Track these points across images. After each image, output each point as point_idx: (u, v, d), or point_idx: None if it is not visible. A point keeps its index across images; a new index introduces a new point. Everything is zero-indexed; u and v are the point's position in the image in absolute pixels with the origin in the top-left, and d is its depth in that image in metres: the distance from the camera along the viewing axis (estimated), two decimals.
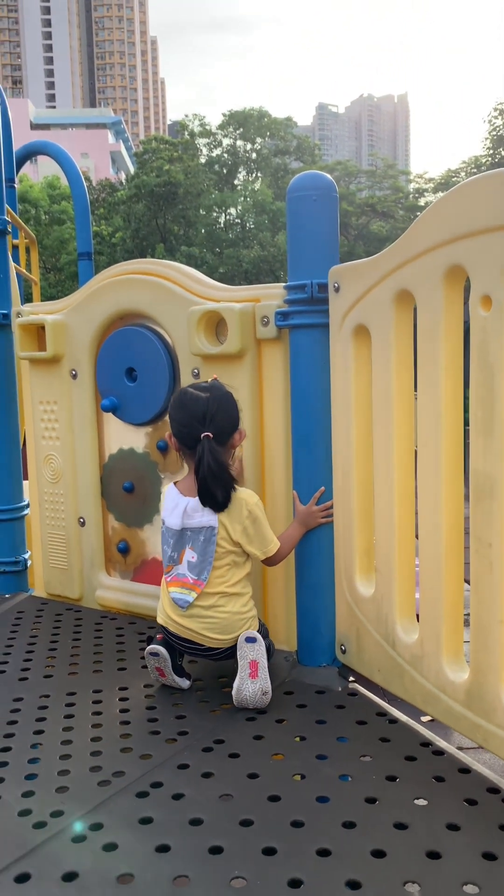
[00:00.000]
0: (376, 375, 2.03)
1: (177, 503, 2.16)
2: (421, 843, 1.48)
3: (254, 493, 2.17)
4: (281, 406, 2.38)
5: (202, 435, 2.07)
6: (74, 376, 2.87)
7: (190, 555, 2.12)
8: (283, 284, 2.30)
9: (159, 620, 2.21)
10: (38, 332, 2.95)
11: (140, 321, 2.71)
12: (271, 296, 2.36)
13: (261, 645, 2.08)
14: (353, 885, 1.38)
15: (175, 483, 2.23)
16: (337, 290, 2.14)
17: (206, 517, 2.11)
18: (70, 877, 1.42)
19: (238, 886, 1.38)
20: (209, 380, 2.24)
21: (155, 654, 2.16)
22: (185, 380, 2.56)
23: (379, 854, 1.46)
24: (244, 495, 2.13)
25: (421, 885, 1.37)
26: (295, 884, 1.39)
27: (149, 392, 2.67)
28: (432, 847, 1.47)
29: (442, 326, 1.78)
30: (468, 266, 1.68)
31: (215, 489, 2.07)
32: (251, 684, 2.05)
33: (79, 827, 1.56)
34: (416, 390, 1.93)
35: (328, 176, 2.24)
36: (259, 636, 2.10)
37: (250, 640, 2.08)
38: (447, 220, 1.71)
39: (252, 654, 2.07)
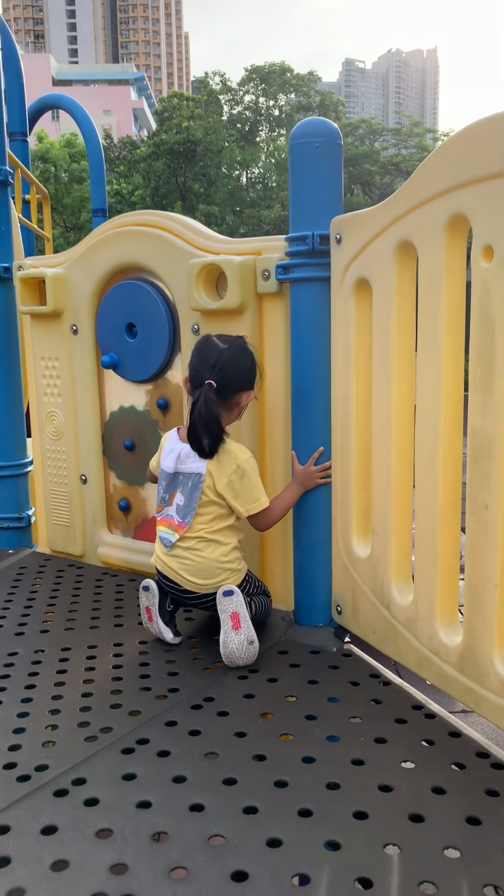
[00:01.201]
0: (377, 331, 1.96)
1: (173, 447, 2.18)
2: (405, 806, 1.46)
3: (247, 450, 2.13)
4: (282, 363, 2.32)
5: (206, 381, 2.06)
6: (75, 332, 2.83)
7: (179, 498, 2.14)
8: (285, 236, 2.23)
9: (152, 560, 2.25)
10: (38, 286, 2.90)
11: (140, 275, 2.65)
12: (273, 248, 2.28)
13: (239, 597, 2.08)
14: (333, 845, 1.36)
15: (178, 428, 2.24)
16: (339, 241, 2.06)
17: (196, 464, 2.11)
18: (49, 830, 1.42)
19: (216, 844, 1.37)
20: (243, 333, 2.22)
21: (146, 588, 2.21)
22: (185, 336, 2.51)
23: (361, 816, 1.44)
24: (236, 450, 2.10)
25: (401, 847, 1.35)
26: (274, 843, 1.37)
27: (149, 349, 2.62)
28: (416, 810, 1.45)
29: (443, 280, 1.70)
30: (470, 215, 1.60)
31: (203, 435, 2.06)
32: (235, 636, 2.04)
33: None
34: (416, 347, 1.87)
35: (332, 123, 2.15)
36: (237, 589, 2.09)
37: (227, 593, 2.08)
38: (450, 167, 1.63)
39: (231, 607, 2.07)
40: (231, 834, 1.39)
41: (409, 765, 1.60)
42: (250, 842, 1.37)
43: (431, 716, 1.80)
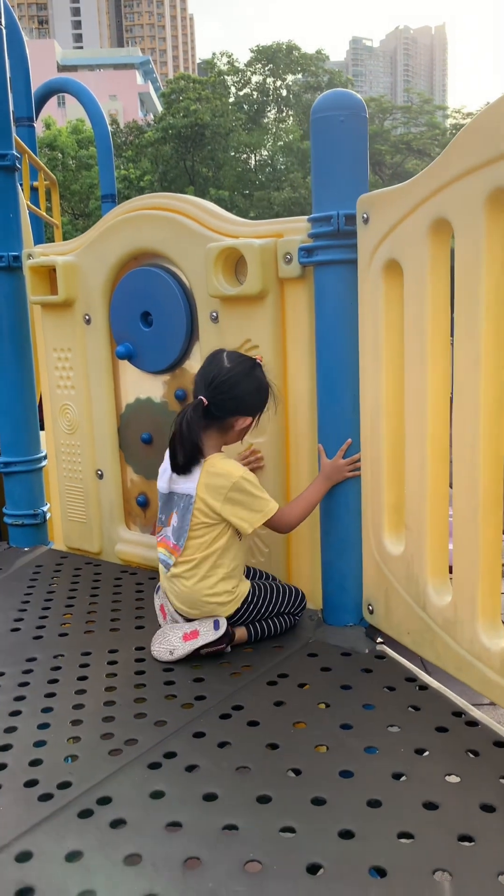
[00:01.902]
0: (409, 316, 1.84)
1: (166, 466, 2.09)
2: (453, 826, 1.36)
3: (240, 465, 2.03)
4: (306, 352, 2.21)
5: (199, 397, 1.98)
6: (88, 321, 2.72)
7: (175, 519, 2.06)
8: (308, 217, 2.11)
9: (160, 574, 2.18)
10: (49, 274, 2.80)
11: (155, 261, 2.54)
12: (295, 230, 2.17)
13: (216, 633, 2.02)
14: (379, 871, 1.27)
15: None
16: (366, 221, 1.94)
17: (187, 485, 2.02)
18: (73, 856, 1.33)
19: (253, 871, 1.28)
20: (258, 357, 2.11)
21: (159, 590, 2.16)
22: (204, 324, 2.40)
23: (406, 836, 1.35)
24: (229, 468, 1.99)
25: (452, 873, 1.25)
26: (314, 868, 1.28)
27: (165, 338, 2.51)
28: (465, 830, 1.35)
29: (483, 259, 1.58)
30: None
31: (178, 451, 1.99)
32: (175, 638, 2.03)
33: None
34: (452, 332, 1.75)
35: (357, 94, 2.03)
36: (222, 623, 2.03)
37: (216, 623, 2.04)
38: (490, 136, 1.50)
39: (204, 630, 2.03)
40: (268, 859, 1.30)
41: (454, 778, 1.51)
42: (289, 867, 1.28)
43: (474, 723, 1.69)
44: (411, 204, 1.77)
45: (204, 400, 1.97)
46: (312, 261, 2.09)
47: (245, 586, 2.10)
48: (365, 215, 1.94)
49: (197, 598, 2.04)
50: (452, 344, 1.73)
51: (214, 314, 2.35)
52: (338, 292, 2.06)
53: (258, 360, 2.07)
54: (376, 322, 1.97)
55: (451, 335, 1.75)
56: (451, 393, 1.76)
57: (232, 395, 1.98)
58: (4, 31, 2.73)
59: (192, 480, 2.00)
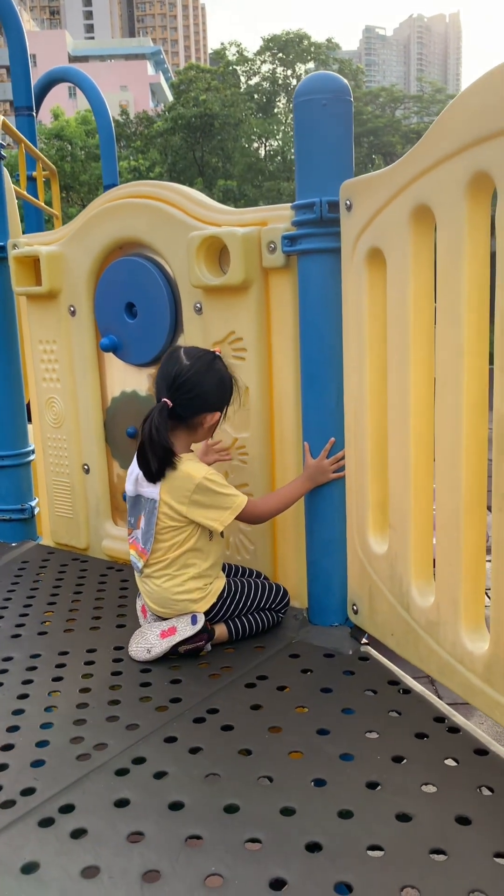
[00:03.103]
0: (392, 305, 1.78)
1: (133, 469, 2.03)
2: (425, 840, 1.31)
3: (203, 466, 1.97)
4: (290, 343, 2.15)
5: (162, 399, 1.91)
6: (73, 313, 2.67)
7: (143, 522, 2.01)
8: (291, 204, 2.04)
9: None
10: (34, 265, 2.74)
11: (139, 250, 2.48)
12: (279, 218, 2.10)
13: (193, 628, 1.97)
14: (346, 887, 1.21)
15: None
16: (349, 208, 1.88)
17: (151, 489, 1.96)
18: (29, 868, 1.28)
19: (213, 886, 1.23)
20: (217, 349, 2.04)
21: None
22: (188, 315, 2.34)
23: (376, 849, 1.29)
24: (190, 470, 1.93)
25: (421, 891, 1.20)
26: (278, 884, 1.23)
27: (150, 330, 2.45)
28: (438, 844, 1.30)
29: (465, 247, 1.51)
30: (495, 173, 1.40)
31: (150, 458, 1.92)
32: (155, 637, 1.98)
33: None
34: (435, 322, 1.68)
35: (341, 77, 1.95)
36: (200, 618, 1.99)
37: (194, 618, 1.99)
38: (471, 118, 1.43)
39: (181, 627, 1.98)
40: (230, 874, 1.25)
41: (430, 788, 1.45)
42: (251, 882, 1.23)
43: (455, 729, 1.64)
44: (393, 190, 1.70)
45: (168, 402, 1.90)
46: (296, 249, 2.03)
47: (220, 582, 2.05)
48: (348, 202, 1.87)
49: (167, 597, 1.99)
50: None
51: (198, 305, 2.29)
52: (321, 282, 2.00)
53: (217, 353, 2.00)
54: (360, 313, 1.90)
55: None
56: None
57: (196, 394, 1.92)
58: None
59: (155, 485, 1.94)
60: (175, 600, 1.99)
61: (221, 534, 2.03)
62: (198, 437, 2.02)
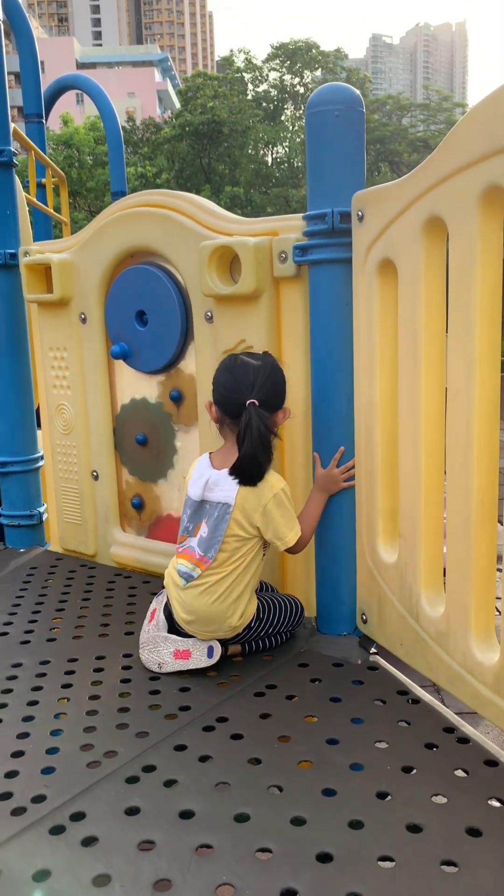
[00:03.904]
0: (403, 316, 1.78)
1: (202, 473, 2.00)
2: (436, 852, 1.31)
3: (281, 478, 1.96)
4: (301, 353, 2.16)
5: (248, 402, 1.88)
6: (84, 320, 2.68)
7: (203, 529, 1.96)
8: (303, 214, 2.05)
9: (165, 583, 2.08)
10: (45, 272, 2.76)
11: (150, 259, 2.49)
12: (290, 228, 2.11)
13: (208, 661, 1.96)
14: None
15: (210, 453, 2.05)
16: (361, 219, 1.88)
17: (224, 493, 1.93)
18: (40, 876, 1.29)
19: (224, 895, 1.23)
20: (262, 351, 2.05)
21: (159, 595, 2.10)
22: (199, 324, 2.35)
23: (387, 860, 1.29)
24: (272, 479, 1.93)
25: None
26: (288, 895, 1.23)
27: (160, 337, 2.46)
28: (448, 856, 1.29)
29: (477, 259, 1.52)
30: None
31: (261, 459, 1.89)
32: (169, 654, 1.97)
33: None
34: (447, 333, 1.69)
35: (353, 89, 1.96)
36: (217, 650, 1.97)
37: (210, 650, 1.98)
38: (483, 132, 1.44)
39: (197, 655, 1.96)
40: (241, 883, 1.25)
41: (440, 799, 1.45)
42: (261, 893, 1.23)
43: (465, 740, 1.63)
44: (405, 201, 1.71)
45: (256, 402, 1.89)
46: (307, 259, 2.03)
47: (253, 606, 2.02)
48: (360, 213, 1.88)
49: (208, 614, 1.95)
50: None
51: (209, 313, 2.30)
52: (332, 292, 2.00)
53: (266, 352, 2.03)
54: (371, 323, 1.91)
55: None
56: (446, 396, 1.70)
57: (277, 390, 1.94)
58: (1, 26, 2.69)
59: (231, 489, 1.92)
60: (222, 624, 1.96)
61: (263, 553, 2.02)
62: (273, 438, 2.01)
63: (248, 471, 1.91)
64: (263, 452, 1.90)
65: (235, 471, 1.92)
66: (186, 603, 1.97)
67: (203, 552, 1.95)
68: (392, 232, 1.77)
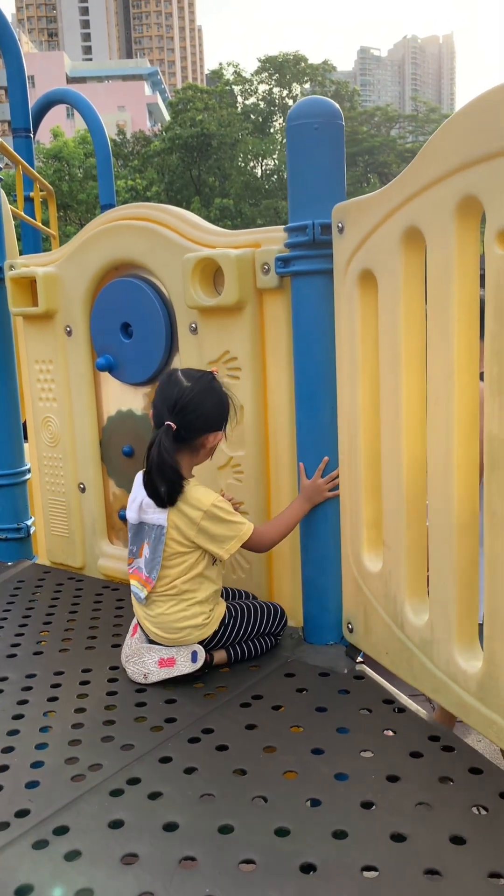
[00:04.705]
0: (383, 327, 1.80)
1: (136, 495, 2.02)
2: (420, 860, 1.31)
3: (211, 492, 1.96)
4: (285, 364, 2.16)
5: (165, 422, 1.90)
6: (69, 333, 2.69)
7: (146, 551, 1.99)
8: (285, 226, 2.07)
9: (132, 600, 2.10)
10: (31, 285, 2.77)
11: (135, 272, 2.50)
12: (272, 240, 2.12)
13: (192, 666, 1.96)
14: None
15: (143, 471, 2.05)
16: (341, 230, 1.90)
17: (157, 515, 1.95)
18: (23, 891, 1.28)
19: None
20: (213, 369, 2.04)
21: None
22: (183, 335, 2.36)
23: (371, 869, 1.29)
24: (200, 495, 1.93)
25: None
26: None
27: (145, 349, 2.47)
28: (432, 864, 1.30)
29: (454, 269, 1.53)
30: (483, 196, 1.43)
31: (158, 483, 1.92)
32: (153, 663, 1.97)
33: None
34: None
35: (332, 102, 1.98)
36: (200, 655, 1.97)
37: (194, 655, 1.97)
38: (458, 143, 1.46)
39: (181, 662, 1.96)
40: (224, 894, 1.25)
41: (424, 808, 1.45)
42: None
43: (450, 748, 1.64)
44: (384, 212, 1.72)
45: (172, 424, 1.90)
46: (289, 271, 2.05)
47: (221, 608, 2.05)
48: (340, 224, 1.90)
49: (171, 624, 1.97)
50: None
51: (194, 325, 2.31)
52: (315, 303, 2.02)
53: (214, 373, 2.02)
54: (352, 334, 1.92)
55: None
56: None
57: (199, 414, 1.92)
58: None
59: (164, 510, 1.94)
60: (179, 627, 1.97)
61: (214, 561, 2.03)
62: (199, 459, 2.02)
63: (153, 493, 1.94)
64: (160, 477, 1.90)
65: (147, 492, 1.96)
66: (149, 617, 2.00)
67: (148, 573, 1.98)
68: (371, 243, 1.79)
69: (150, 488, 1.94)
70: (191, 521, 1.92)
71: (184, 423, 1.91)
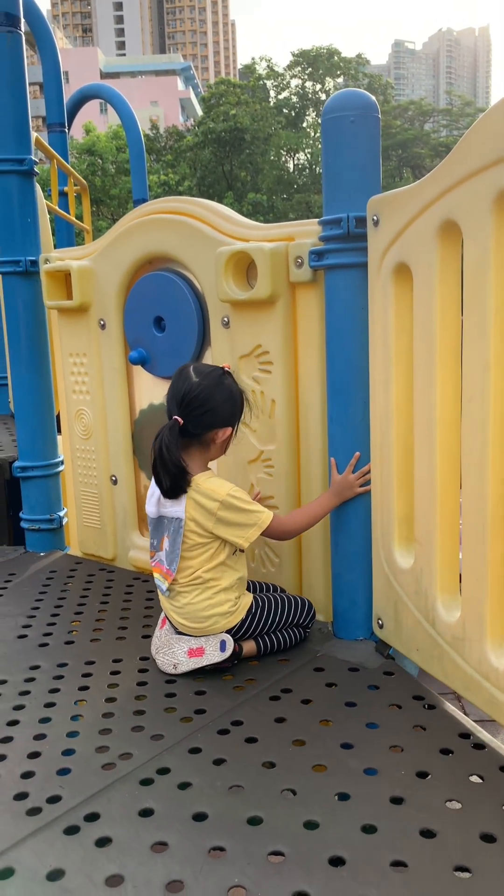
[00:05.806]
0: (418, 321, 1.78)
1: (154, 490, 2.03)
2: (449, 857, 1.30)
3: (226, 483, 1.97)
4: (317, 358, 2.16)
5: (173, 417, 1.92)
6: (103, 326, 2.71)
7: (167, 543, 2.00)
8: (319, 220, 2.06)
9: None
10: (65, 279, 2.79)
11: (168, 265, 2.51)
12: (306, 233, 2.12)
13: (221, 655, 1.97)
14: None
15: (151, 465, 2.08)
16: (376, 223, 1.89)
17: (175, 508, 1.96)
18: (55, 875, 1.30)
19: None
20: (226, 365, 2.04)
21: None
22: (216, 329, 2.37)
23: (400, 865, 1.29)
24: (214, 487, 1.94)
25: None
26: None
27: (178, 343, 2.48)
28: (462, 861, 1.29)
29: (491, 262, 1.51)
30: None
31: (162, 475, 1.93)
32: (183, 653, 1.98)
33: None
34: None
35: (368, 94, 1.97)
36: (229, 644, 1.98)
37: (223, 644, 1.98)
38: (496, 136, 1.44)
39: (210, 651, 1.97)
40: (253, 886, 1.25)
41: (454, 805, 1.44)
42: (274, 895, 1.23)
43: (481, 746, 1.62)
44: (420, 205, 1.71)
45: (179, 419, 1.92)
46: (323, 264, 2.04)
47: (248, 598, 2.06)
48: (375, 217, 1.89)
49: (197, 613, 1.98)
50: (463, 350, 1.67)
51: (226, 319, 2.31)
52: (348, 297, 2.01)
53: (226, 368, 2.02)
54: (386, 328, 1.91)
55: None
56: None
57: (206, 409, 1.93)
58: (23, 36, 2.73)
59: (181, 503, 1.95)
60: (205, 616, 1.98)
61: (237, 550, 2.03)
62: (211, 454, 2.03)
63: (160, 484, 1.96)
64: (163, 470, 1.92)
65: (156, 483, 1.98)
66: (175, 609, 2.01)
67: (168, 565, 1.99)
68: (407, 236, 1.77)
69: (157, 481, 1.97)
70: (208, 513, 1.93)
71: (191, 419, 1.92)
